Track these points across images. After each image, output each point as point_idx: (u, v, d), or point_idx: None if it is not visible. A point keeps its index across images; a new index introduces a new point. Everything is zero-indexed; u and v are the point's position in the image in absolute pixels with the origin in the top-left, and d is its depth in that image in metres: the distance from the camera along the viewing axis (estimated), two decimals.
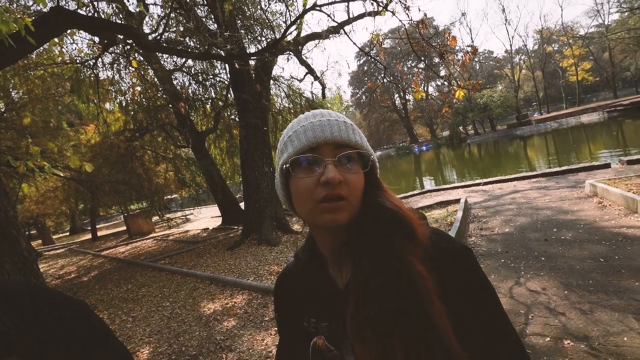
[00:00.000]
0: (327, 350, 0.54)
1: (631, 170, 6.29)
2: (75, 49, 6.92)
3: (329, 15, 6.22)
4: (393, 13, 4.96)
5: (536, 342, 2.19)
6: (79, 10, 4.22)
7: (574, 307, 2.48)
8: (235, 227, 9.69)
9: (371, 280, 0.46)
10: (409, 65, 40.24)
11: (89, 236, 16.64)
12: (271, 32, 7.54)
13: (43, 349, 0.45)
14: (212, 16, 7.03)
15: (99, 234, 16.64)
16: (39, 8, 5.58)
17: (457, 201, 6.49)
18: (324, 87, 9.32)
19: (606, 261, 3.09)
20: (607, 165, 7.30)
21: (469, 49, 4.98)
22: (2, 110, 8.14)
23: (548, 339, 2.20)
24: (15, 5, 5.89)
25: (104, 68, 7.44)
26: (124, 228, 15.02)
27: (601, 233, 3.77)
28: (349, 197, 0.49)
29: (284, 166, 0.52)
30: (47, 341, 0.46)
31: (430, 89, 38.26)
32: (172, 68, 8.86)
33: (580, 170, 7.52)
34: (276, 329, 3.05)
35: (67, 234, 23.63)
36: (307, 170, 0.50)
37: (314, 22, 46.47)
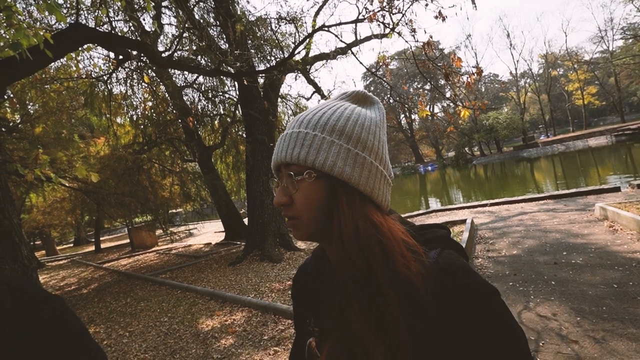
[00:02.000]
0: (315, 355, 0.53)
1: None
2: (91, 64, 7.16)
3: (336, 36, 6.40)
4: (400, 34, 5.09)
5: None
6: (97, 28, 4.41)
7: (587, 335, 2.36)
8: (238, 242, 9.62)
9: (340, 325, 0.47)
10: (415, 87, 40.90)
11: (92, 248, 16.64)
12: (280, 52, 7.76)
13: (15, 346, 0.44)
14: (224, 36, 7.29)
15: (103, 246, 16.64)
16: (60, 26, 5.85)
17: (463, 222, 6.38)
18: None
19: (620, 287, 2.97)
20: (617, 189, 7.17)
21: (474, 69, 5.05)
22: (18, 121, 8.39)
23: None
24: (38, 24, 6.18)
25: (118, 83, 7.70)
26: (128, 241, 15.01)
27: (614, 258, 3.64)
28: (298, 216, 0.49)
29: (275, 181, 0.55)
30: (21, 338, 0.44)
31: (436, 109, 38.72)
32: (183, 84, 9.11)
33: (590, 193, 7.39)
34: (275, 348, 2.95)
35: (71, 245, 23.69)
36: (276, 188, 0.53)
37: (322, 43, 47.96)
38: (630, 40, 31.92)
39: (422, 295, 0.41)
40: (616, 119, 40.27)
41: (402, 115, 44.27)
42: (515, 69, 40.53)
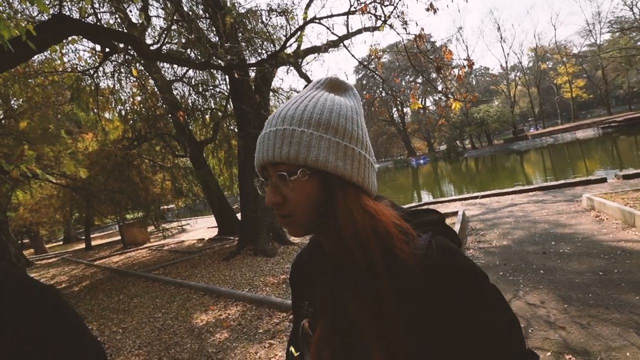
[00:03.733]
0: (308, 335, 0.55)
1: (627, 185, 6.33)
2: (76, 57, 6.96)
3: (328, 28, 6.34)
4: (391, 27, 5.07)
5: None
6: (82, 19, 4.27)
7: (574, 321, 2.43)
8: (232, 237, 9.58)
9: (332, 309, 0.49)
10: (407, 80, 40.94)
11: (82, 245, 16.39)
12: (271, 45, 7.66)
13: (16, 335, 0.44)
14: (214, 28, 7.16)
15: (93, 243, 16.41)
16: (44, 18, 5.67)
17: (455, 214, 6.47)
18: None
19: (605, 275, 3.06)
20: (604, 180, 7.34)
21: (465, 62, 5.07)
22: (1, 117, 8.14)
23: (549, 353, 2.14)
24: (19, 15, 5.97)
25: (105, 77, 7.52)
26: (119, 238, 14.82)
27: (599, 246, 3.75)
28: (292, 214, 0.48)
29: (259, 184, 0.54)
30: (21, 327, 0.44)
31: (428, 103, 38.90)
32: (172, 78, 8.95)
33: (577, 184, 7.55)
34: (270, 341, 2.97)
35: (61, 242, 23.29)
36: (267, 188, 0.51)
37: (313, 36, 47.62)
38: (617, 34, 32.40)
39: (415, 277, 0.42)
40: (603, 111, 41.06)
41: (394, 109, 44.34)
42: (506, 62, 40.98)
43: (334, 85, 0.54)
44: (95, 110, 7.68)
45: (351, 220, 0.45)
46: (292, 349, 0.61)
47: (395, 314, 0.41)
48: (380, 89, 8.44)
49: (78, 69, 6.70)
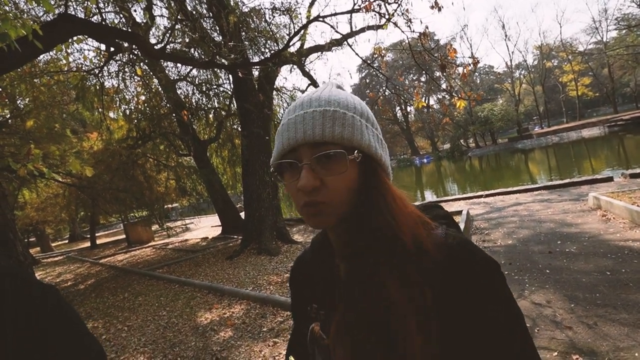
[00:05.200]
0: (320, 338, 0.52)
1: (634, 184, 6.25)
2: (81, 57, 7.02)
3: (332, 27, 6.33)
4: (396, 25, 5.04)
5: (543, 357, 2.12)
6: (87, 18, 4.29)
7: (581, 321, 2.41)
8: (235, 236, 9.62)
9: (355, 292, 0.46)
10: (411, 79, 40.76)
11: (88, 244, 16.54)
12: (275, 44, 7.66)
13: (17, 334, 0.44)
14: (217, 27, 7.17)
15: (98, 241, 16.55)
16: (49, 18, 5.70)
17: (459, 213, 6.43)
18: None
19: (613, 275, 3.03)
20: (610, 179, 7.26)
21: (470, 60, 5.03)
22: (8, 116, 8.22)
23: (555, 353, 2.12)
24: (25, 15, 6.02)
25: (110, 76, 7.56)
26: (123, 236, 14.93)
27: (606, 246, 3.71)
28: (328, 201, 0.45)
29: (272, 171, 0.50)
30: (22, 326, 0.44)
31: (432, 102, 38.71)
32: (176, 78, 8.97)
33: (583, 183, 7.47)
34: (274, 340, 2.97)
35: (66, 241, 23.52)
36: (289, 174, 0.48)
37: (317, 34, 47.52)
38: (624, 31, 32.00)
39: (437, 264, 0.43)
40: (609, 110, 40.59)
41: (398, 108, 44.17)
42: (510, 60, 40.52)
43: (340, 87, 0.56)
44: (100, 109, 7.73)
45: (393, 206, 0.46)
46: (291, 358, 0.59)
47: (428, 297, 0.42)
48: (384, 88, 8.41)
49: (83, 68, 6.75)
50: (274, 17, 7.48)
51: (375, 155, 0.48)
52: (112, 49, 5.09)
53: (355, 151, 0.46)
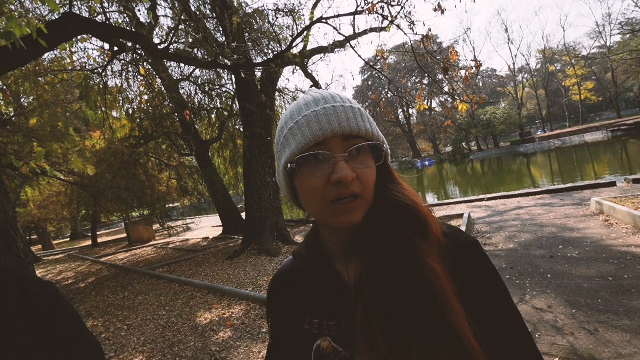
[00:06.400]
0: (335, 352, 0.48)
1: (637, 189, 6.22)
2: (85, 56, 7.05)
3: (335, 29, 6.33)
4: (399, 27, 5.04)
5: None
6: (91, 18, 4.32)
7: (582, 327, 2.39)
8: (236, 236, 9.62)
9: (384, 279, 0.44)
10: (413, 81, 40.74)
11: (89, 242, 16.58)
12: (278, 45, 7.68)
13: (19, 332, 0.44)
14: (221, 28, 7.20)
15: (100, 240, 16.59)
16: (54, 17, 5.74)
17: (460, 216, 6.41)
18: None
19: (615, 280, 3.00)
20: (613, 184, 7.22)
21: (472, 63, 5.03)
22: (12, 114, 8.27)
23: (557, 359, 2.10)
24: (30, 14, 6.06)
25: (113, 76, 7.59)
26: (125, 235, 14.96)
27: (609, 251, 3.68)
28: (362, 194, 0.45)
29: (289, 165, 0.47)
30: (23, 324, 0.44)
31: (434, 104, 38.68)
32: (179, 77, 9.01)
33: (586, 187, 7.44)
34: None
35: (68, 239, 23.58)
36: (314, 168, 0.45)
37: (320, 36, 47.48)
38: (628, 36, 31.89)
39: (446, 249, 0.48)
40: (612, 114, 40.43)
41: (400, 110, 44.15)
42: (513, 64, 40.53)
43: None
44: (103, 108, 7.76)
45: (411, 195, 0.50)
46: None
47: (451, 291, 0.44)
48: (386, 90, 8.41)
49: (87, 67, 6.78)
50: (277, 18, 7.51)
51: (387, 151, 0.51)
52: (116, 48, 5.12)
53: (384, 145, 0.50)
